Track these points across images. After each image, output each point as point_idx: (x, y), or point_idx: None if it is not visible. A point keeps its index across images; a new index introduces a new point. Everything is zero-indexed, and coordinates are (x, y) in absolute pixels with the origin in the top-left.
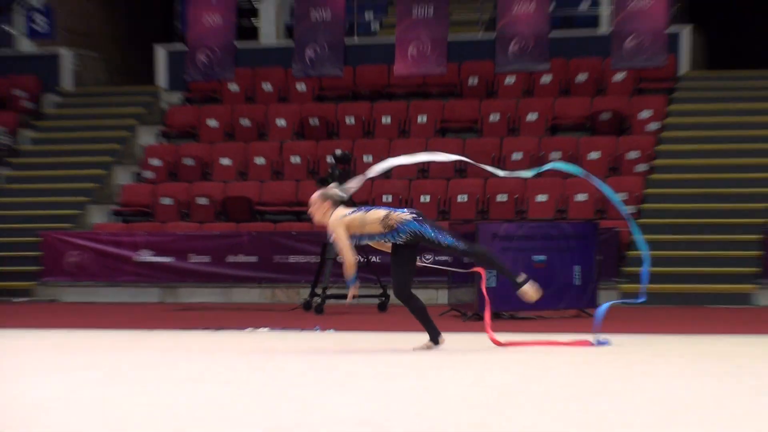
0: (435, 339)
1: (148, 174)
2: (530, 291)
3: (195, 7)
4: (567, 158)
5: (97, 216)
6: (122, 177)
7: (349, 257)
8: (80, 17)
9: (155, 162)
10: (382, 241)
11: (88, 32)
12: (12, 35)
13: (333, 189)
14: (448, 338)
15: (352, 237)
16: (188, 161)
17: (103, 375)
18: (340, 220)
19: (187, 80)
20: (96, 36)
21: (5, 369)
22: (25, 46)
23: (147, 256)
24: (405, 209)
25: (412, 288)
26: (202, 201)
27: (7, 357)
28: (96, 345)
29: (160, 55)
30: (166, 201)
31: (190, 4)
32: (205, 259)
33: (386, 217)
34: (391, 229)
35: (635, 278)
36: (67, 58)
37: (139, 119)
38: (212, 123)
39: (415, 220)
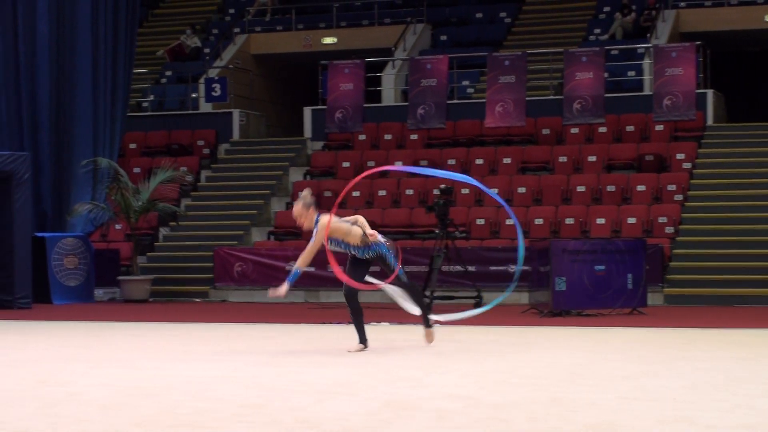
0: (363, 341)
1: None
2: (431, 335)
3: (333, 77)
4: (619, 191)
5: (257, 235)
6: (276, 206)
7: (310, 254)
8: (246, 86)
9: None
10: (348, 251)
11: (252, 97)
12: (197, 99)
13: (309, 196)
14: (528, 330)
15: (330, 239)
16: (327, 193)
17: (257, 359)
18: (326, 223)
19: (326, 132)
20: (258, 100)
21: (185, 353)
22: (206, 107)
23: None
24: (380, 235)
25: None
26: None
27: (186, 344)
28: (254, 335)
29: (307, 113)
30: None
31: (329, 74)
32: (340, 268)
33: (366, 235)
34: (365, 245)
35: (677, 283)
36: (236, 116)
37: (290, 162)
38: (346, 164)
39: (385, 245)
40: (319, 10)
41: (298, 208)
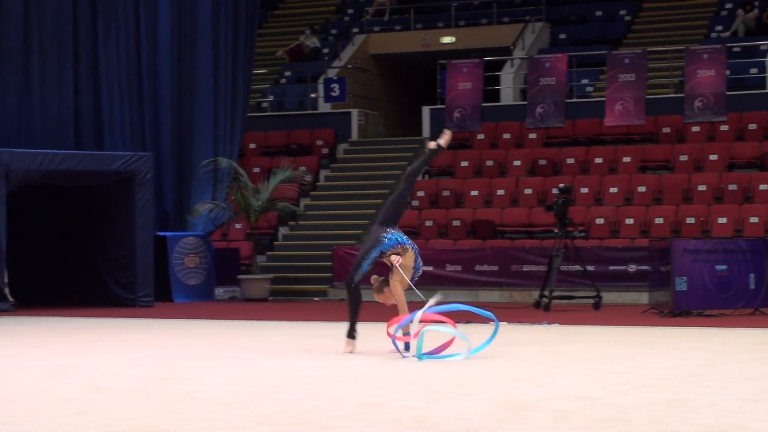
0: (351, 334)
1: (415, 202)
2: (349, 347)
3: (451, 76)
4: (741, 190)
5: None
6: None
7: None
8: (365, 86)
9: (420, 193)
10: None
11: (370, 97)
12: (316, 99)
13: (375, 283)
14: (649, 331)
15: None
16: (445, 192)
17: (376, 358)
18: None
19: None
20: (376, 99)
21: (305, 352)
22: (324, 107)
23: None
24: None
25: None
26: (456, 223)
27: (306, 342)
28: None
29: (425, 113)
30: (428, 223)
31: (448, 74)
32: (458, 268)
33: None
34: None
35: None
36: (354, 116)
37: (408, 161)
38: (464, 163)
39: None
40: (437, 10)
41: (381, 297)
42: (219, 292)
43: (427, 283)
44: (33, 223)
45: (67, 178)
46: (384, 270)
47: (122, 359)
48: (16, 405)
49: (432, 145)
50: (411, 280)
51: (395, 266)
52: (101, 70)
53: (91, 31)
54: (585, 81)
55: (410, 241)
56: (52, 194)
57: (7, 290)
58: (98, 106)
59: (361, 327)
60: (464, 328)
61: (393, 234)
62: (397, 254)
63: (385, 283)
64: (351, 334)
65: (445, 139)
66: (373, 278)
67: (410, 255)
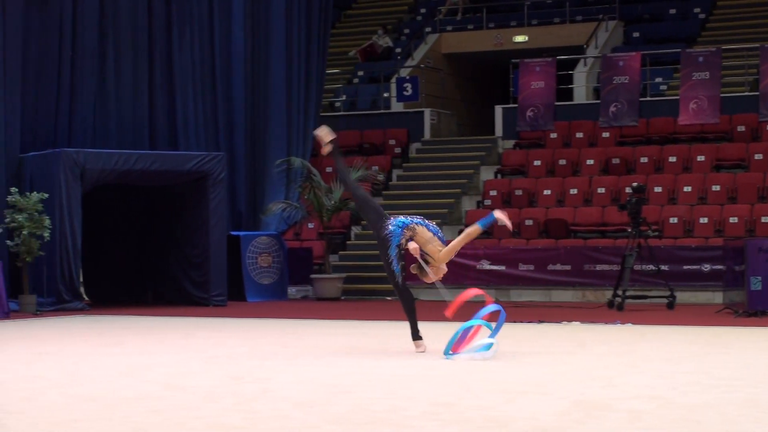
0: (416, 335)
1: (488, 202)
2: (420, 347)
3: (524, 75)
4: None
5: (448, 234)
6: (467, 204)
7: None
8: (437, 85)
9: (493, 193)
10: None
11: (443, 96)
12: (389, 99)
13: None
14: (723, 330)
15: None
16: (518, 192)
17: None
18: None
19: (517, 131)
20: (449, 99)
21: (378, 351)
22: (397, 107)
23: (486, 265)
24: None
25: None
26: (529, 222)
27: (379, 341)
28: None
29: (498, 112)
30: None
31: (520, 73)
32: (531, 267)
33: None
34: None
35: None
36: (427, 115)
37: (480, 161)
38: (537, 162)
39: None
40: (510, 9)
41: (431, 277)
42: (292, 291)
43: (499, 282)
44: (108, 222)
45: (141, 177)
46: (410, 258)
47: (196, 358)
48: (92, 403)
49: (324, 151)
50: (441, 245)
51: (419, 252)
52: (175, 71)
53: (165, 33)
54: (659, 79)
55: (410, 218)
56: (126, 194)
57: (82, 289)
58: (172, 106)
59: (433, 327)
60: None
61: (392, 223)
62: (410, 239)
63: (422, 266)
64: (416, 336)
65: (322, 134)
66: (412, 268)
67: (420, 230)
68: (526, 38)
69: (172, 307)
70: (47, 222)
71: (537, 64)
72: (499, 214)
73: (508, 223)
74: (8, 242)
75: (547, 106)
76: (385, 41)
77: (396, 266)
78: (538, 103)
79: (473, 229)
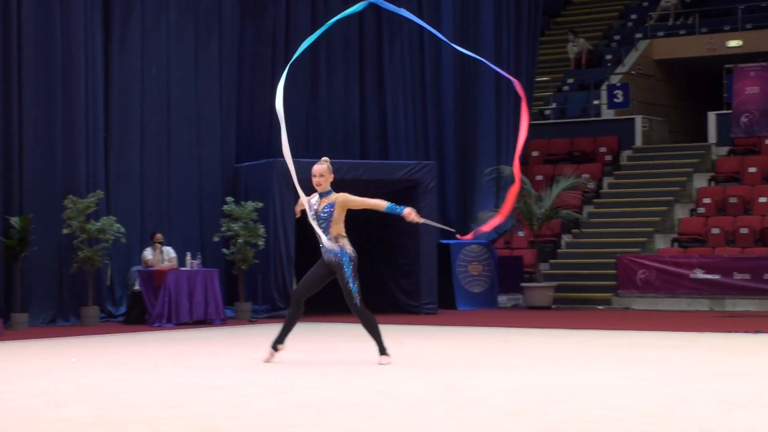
0: (383, 351)
1: (701, 210)
2: (386, 360)
3: (738, 81)
4: None
5: (661, 242)
6: (680, 212)
7: (374, 202)
8: (648, 91)
9: (706, 200)
10: (320, 239)
11: (654, 102)
12: (599, 106)
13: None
14: None
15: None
16: (733, 200)
17: (661, 367)
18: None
19: (732, 137)
20: (660, 105)
21: (591, 360)
22: (608, 114)
23: (699, 274)
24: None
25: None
26: (744, 230)
27: (591, 351)
28: (659, 344)
29: (711, 118)
30: (715, 231)
31: (734, 78)
32: (746, 276)
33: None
34: (335, 242)
35: None
36: (638, 122)
37: (693, 168)
38: (752, 169)
39: (349, 256)
40: (723, 13)
41: (323, 168)
42: (502, 299)
43: (713, 291)
44: None
45: (352, 187)
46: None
47: (408, 366)
48: (306, 409)
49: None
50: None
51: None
52: (386, 81)
53: (375, 43)
54: None
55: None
56: None
57: None
58: (383, 116)
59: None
60: None
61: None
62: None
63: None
64: (383, 352)
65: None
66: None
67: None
68: (741, 43)
69: (382, 314)
70: (262, 230)
71: (752, 69)
72: (409, 213)
73: (419, 221)
74: (224, 250)
75: (762, 112)
76: (581, 44)
77: (353, 287)
78: (753, 108)
79: (380, 204)
